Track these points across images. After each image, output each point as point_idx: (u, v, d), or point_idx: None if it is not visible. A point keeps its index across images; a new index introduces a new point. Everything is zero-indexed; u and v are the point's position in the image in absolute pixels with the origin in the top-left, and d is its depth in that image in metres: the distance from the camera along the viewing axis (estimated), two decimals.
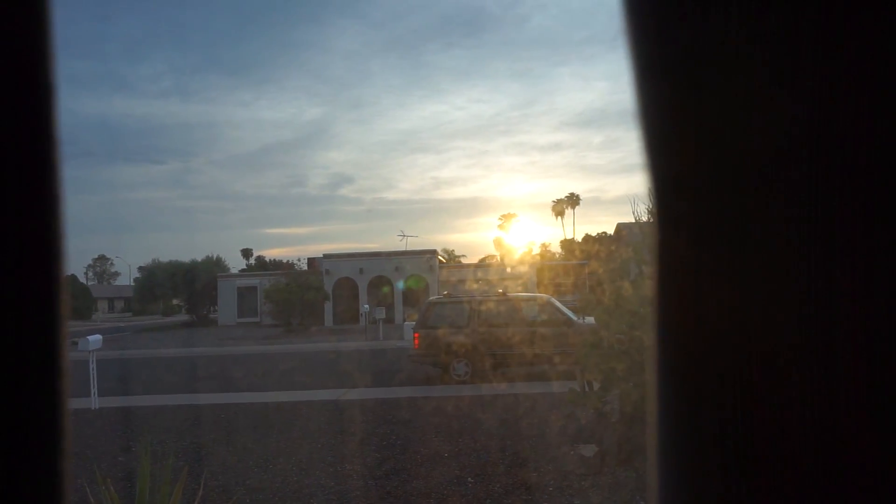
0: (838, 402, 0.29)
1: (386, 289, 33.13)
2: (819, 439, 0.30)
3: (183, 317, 47.27)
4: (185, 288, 40.75)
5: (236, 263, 71.46)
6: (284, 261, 70.28)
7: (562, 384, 8.96)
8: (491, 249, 77.49)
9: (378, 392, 10.78)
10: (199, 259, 42.77)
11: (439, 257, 37.36)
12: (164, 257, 47.01)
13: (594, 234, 62.11)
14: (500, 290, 13.06)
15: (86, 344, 9.61)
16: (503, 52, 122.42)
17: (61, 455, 0.37)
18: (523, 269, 35.59)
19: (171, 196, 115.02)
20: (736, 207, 0.31)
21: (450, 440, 6.82)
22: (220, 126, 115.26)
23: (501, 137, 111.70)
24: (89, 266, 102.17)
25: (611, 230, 51.62)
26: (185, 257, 46.53)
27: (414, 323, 13.01)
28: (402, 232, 68.24)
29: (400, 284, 31.96)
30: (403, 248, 35.66)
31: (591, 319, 8.30)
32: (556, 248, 68.22)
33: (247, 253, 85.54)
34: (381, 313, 22.84)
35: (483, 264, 41.32)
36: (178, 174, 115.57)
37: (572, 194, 76.34)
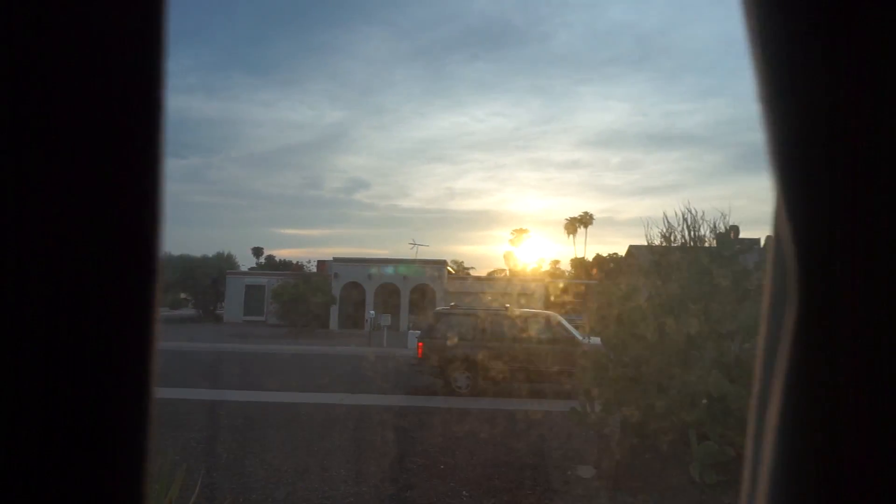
0: None
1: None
2: None
3: (189, 311, 47.49)
4: (194, 282, 40.94)
5: (246, 261, 71.75)
6: (294, 261, 70.51)
7: (563, 403, 8.90)
8: (500, 263, 77.27)
9: (376, 399, 10.75)
10: (210, 255, 43.00)
11: (448, 268, 37.35)
12: (176, 251, 47.30)
13: (605, 254, 61.84)
14: (507, 306, 13.01)
15: None
16: (526, 68, 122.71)
17: (145, 454, 0.37)
18: (532, 284, 35.49)
19: (188, 190, 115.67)
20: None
21: (444, 453, 6.77)
22: (242, 124, 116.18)
23: (519, 152, 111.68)
24: None
25: (622, 251, 51.40)
26: (197, 252, 46.77)
27: (419, 332, 12.99)
28: (413, 241, 68.26)
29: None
30: (413, 257, 35.67)
31: (596, 339, 8.25)
32: (566, 266, 68.01)
33: (257, 251, 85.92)
34: (386, 320, 22.84)
35: (492, 278, 41.27)
36: (198, 169, 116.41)
37: (586, 213, 76.18)
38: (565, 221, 76.60)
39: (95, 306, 0.34)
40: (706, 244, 8.37)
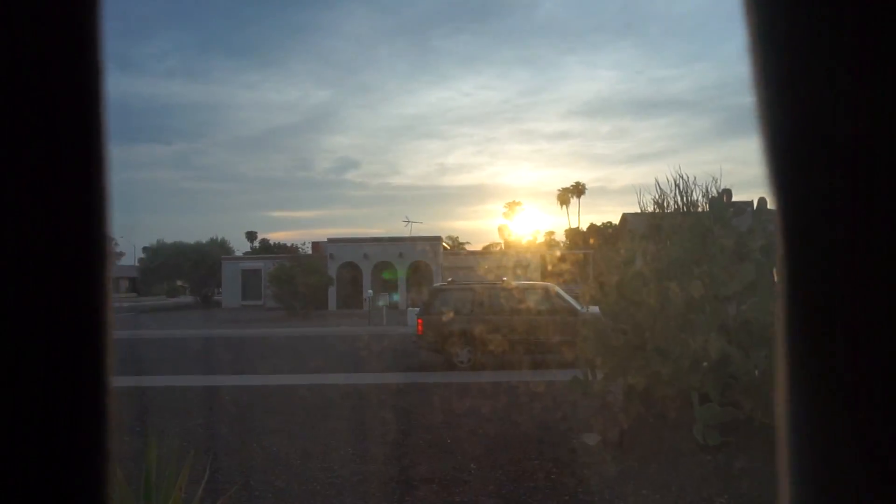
0: None
1: (387, 274, 33.11)
2: None
3: (187, 298, 47.47)
4: (190, 269, 40.89)
5: (241, 246, 71.60)
6: (289, 244, 70.39)
7: (565, 373, 8.98)
8: (495, 237, 77.37)
9: (380, 377, 10.82)
10: (204, 241, 42.87)
11: (444, 244, 37.35)
12: (169, 238, 47.08)
13: (599, 223, 61.93)
14: (504, 279, 13.04)
15: None
16: (511, 39, 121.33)
17: (103, 451, 0.36)
18: (528, 256, 35.57)
19: (176, 177, 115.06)
20: (869, 218, 0.31)
21: (450, 428, 6.84)
22: (226, 107, 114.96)
23: (508, 125, 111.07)
24: None
25: (616, 220, 51.47)
26: (190, 239, 46.66)
27: (418, 309, 13.03)
28: (407, 218, 68.26)
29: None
30: (408, 234, 35.64)
31: (595, 309, 8.29)
32: (560, 236, 68.09)
33: (251, 236, 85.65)
34: (384, 299, 22.88)
35: (487, 251, 41.33)
36: (184, 155, 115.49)
37: (578, 183, 76.05)
38: (558, 192, 76.52)
39: (39, 297, 0.33)
40: (699, 209, 8.38)
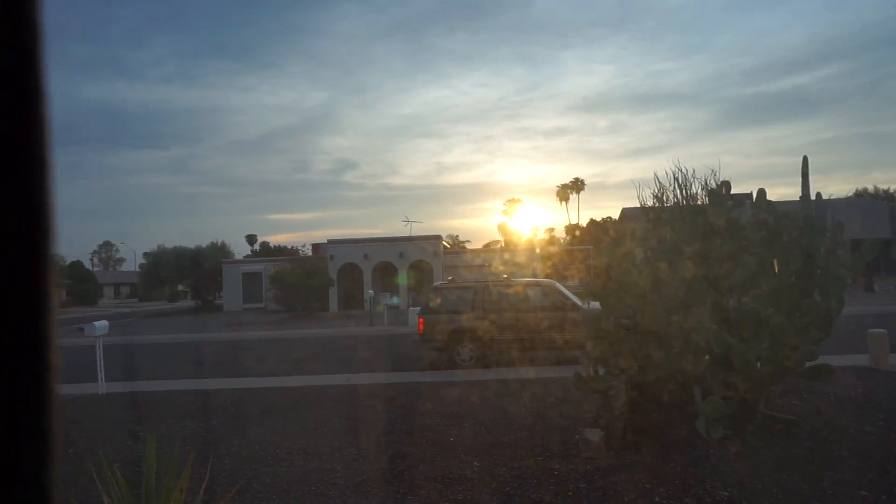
0: None
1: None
2: None
3: (189, 302, 47.47)
4: (191, 274, 40.88)
5: (241, 249, 71.72)
6: (289, 246, 70.49)
7: (568, 368, 8.96)
8: (495, 235, 77.40)
9: (382, 377, 10.81)
10: (204, 245, 42.85)
11: (444, 243, 37.32)
12: (169, 243, 47.19)
13: (599, 218, 61.84)
14: (505, 276, 13.02)
15: (92, 330, 9.64)
16: (507, 36, 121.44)
17: (48, 457, 0.34)
18: (528, 253, 35.54)
19: (175, 182, 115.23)
20: None
21: (453, 426, 6.83)
22: (223, 111, 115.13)
23: (505, 122, 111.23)
24: (95, 252, 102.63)
25: (615, 215, 51.42)
26: (190, 243, 46.71)
27: (419, 308, 13.01)
28: (406, 217, 68.27)
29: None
30: (408, 234, 35.62)
31: (596, 304, 8.27)
32: (560, 233, 68.05)
33: (251, 239, 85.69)
34: (386, 299, 22.87)
35: (488, 249, 41.30)
36: (182, 160, 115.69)
37: (577, 179, 76.02)
38: (557, 188, 76.55)
39: None
40: (699, 202, 8.34)
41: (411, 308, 21.61)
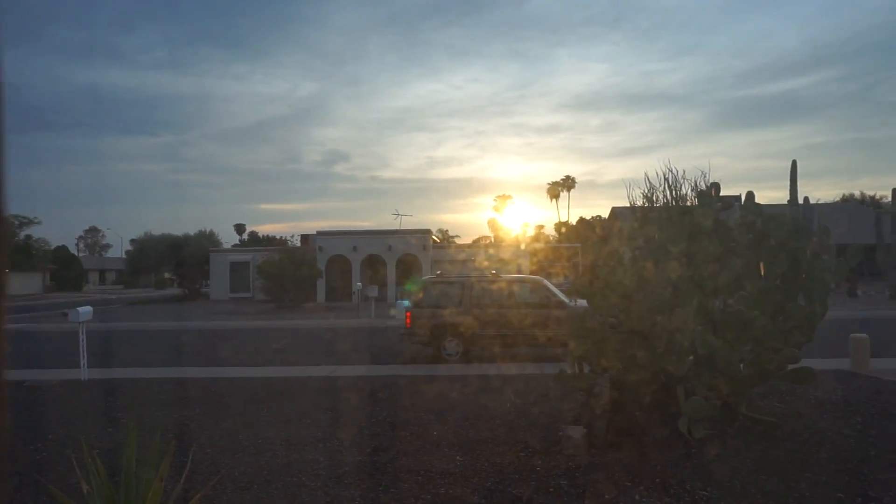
0: None
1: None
2: None
3: (175, 290, 47.11)
4: (178, 261, 40.59)
5: (229, 238, 71.35)
6: (278, 237, 70.16)
7: (553, 365, 8.99)
8: (485, 230, 77.45)
9: (366, 370, 10.80)
10: (192, 233, 42.55)
11: (433, 237, 37.29)
12: (157, 230, 46.80)
13: (589, 217, 62.03)
14: (493, 272, 13.04)
15: (76, 315, 9.55)
16: (501, 32, 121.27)
17: None
18: (517, 250, 35.60)
19: (164, 169, 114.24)
20: None
21: (436, 420, 6.84)
22: (214, 99, 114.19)
23: (498, 118, 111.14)
24: (80, 237, 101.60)
25: (605, 213, 51.59)
26: (178, 231, 46.31)
27: (407, 302, 13.00)
28: (396, 211, 68.14)
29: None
30: (397, 227, 35.56)
31: (583, 302, 8.29)
32: (550, 230, 68.25)
33: (240, 228, 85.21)
34: (373, 291, 22.82)
35: (477, 245, 41.33)
36: (172, 147, 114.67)
37: (568, 177, 76.18)
38: (548, 186, 76.67)
39: None
40: (688, 203, 8.37)
41: (398, 301, 21.58)
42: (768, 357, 5.93)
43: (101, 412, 7.76)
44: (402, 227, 35.40)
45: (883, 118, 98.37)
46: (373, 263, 34.05)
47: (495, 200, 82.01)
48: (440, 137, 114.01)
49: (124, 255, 53.87)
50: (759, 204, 7.06)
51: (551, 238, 60.71)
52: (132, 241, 44.43)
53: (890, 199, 32.41)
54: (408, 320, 11.93)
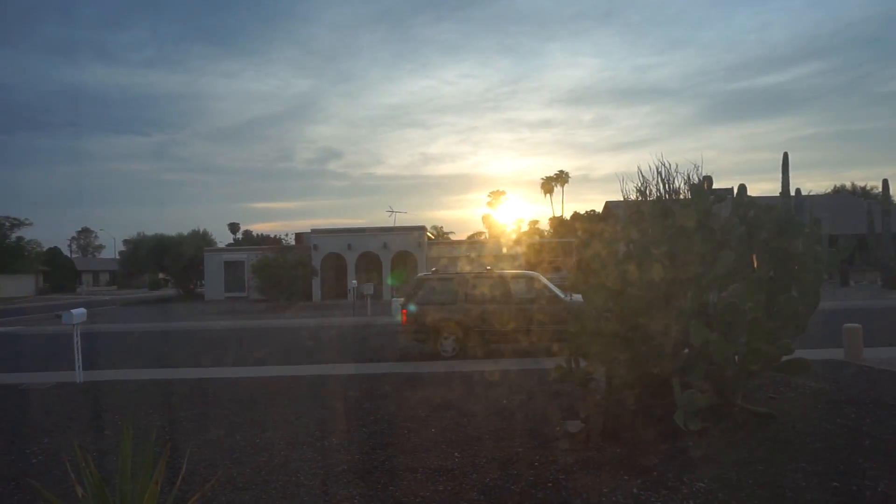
0: None
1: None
2: None
3: (169, 290, 46.96)
4: (171, 262, 40.43)
5: (223, 238, 71.14)
6: (272, 235, 70.03)
7: (550, 361, 9.01)
8: (480, 226, 77.56)
9: (363, 367, 10.79)
10: (186, 233, 42.37)
11: (428, 234, 37.27)
12: (150, 231, 46.60)
13: (583, 211, 62.18)
14: (489, 268, 13.05)
15: (70, 317, 9.50)
16: (492, 27, 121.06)
17: None
18: (512, 245, 35.63)
19: (155, 168, 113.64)
20: None
21: (434, 416, 6.84)
22: (205, 98, 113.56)
23: (490, 113, 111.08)
24: (73, 238, 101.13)
25: (599, 208, 51.69)
26: (171, 231, 46.12)
27: (402, 299, 13.01)
28: (390, 208, 68.00)
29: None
30: (392, 224, 35.53)
31: (578, 297, 8.31)
32: (544, 225, 68.30)
33: (234, 227, 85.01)
34: (369, 289, 22.81)
35: (472, 241, 41.33)
36: (163, 146, 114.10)
37: (561, 172, 76.30)
38: (541, 181, 76.77)
39: None
40: (681, 196, 8.39)
41: (394, 298, 21.58)
42: (763, 348, 5.96)
43: (96, 414, 7.73)
44: (396, 225, 35.39)
45: (871, 110, 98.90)
46: (368, 261, 34.01)
47: (489, 196, 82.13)
48: (433, 134, 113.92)
49: (117, 256, 53.67)
50: (751, 197, 7.09)
51: (545, 233, 60.77)
52: (125, 241, 44.25)
53: (880, 189, 32.59)
54: (404, 317, 11.93)
